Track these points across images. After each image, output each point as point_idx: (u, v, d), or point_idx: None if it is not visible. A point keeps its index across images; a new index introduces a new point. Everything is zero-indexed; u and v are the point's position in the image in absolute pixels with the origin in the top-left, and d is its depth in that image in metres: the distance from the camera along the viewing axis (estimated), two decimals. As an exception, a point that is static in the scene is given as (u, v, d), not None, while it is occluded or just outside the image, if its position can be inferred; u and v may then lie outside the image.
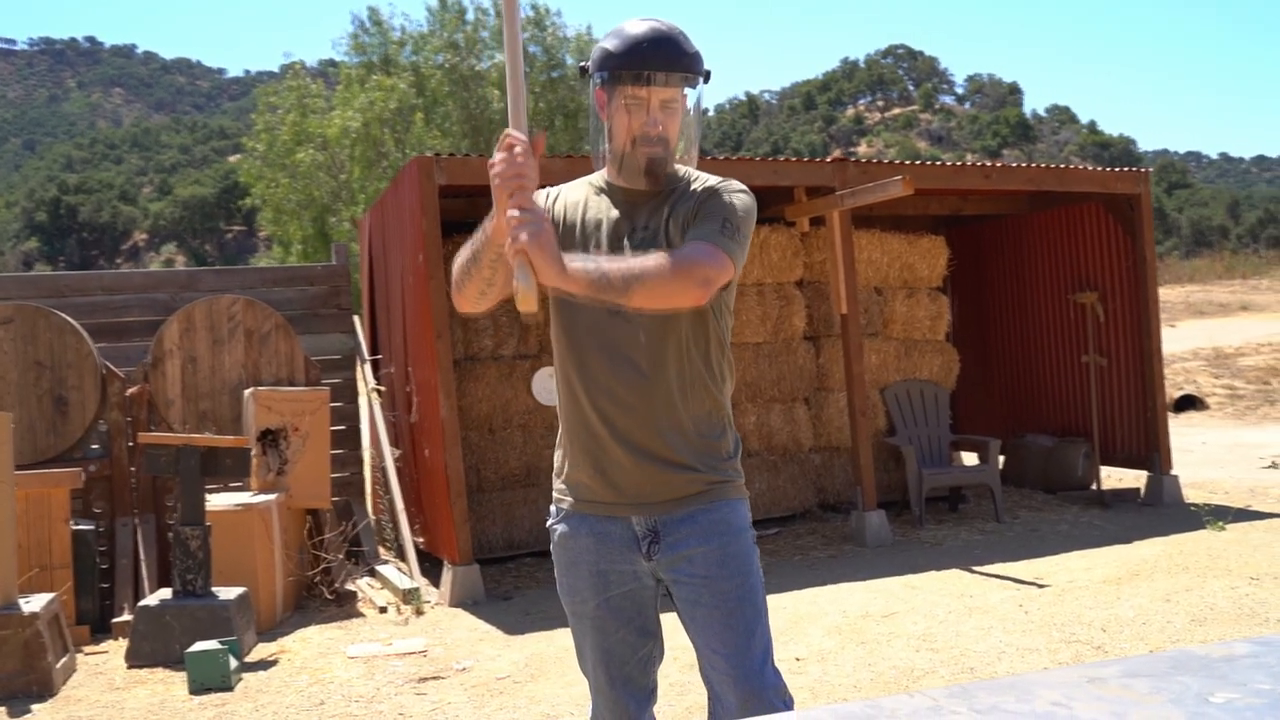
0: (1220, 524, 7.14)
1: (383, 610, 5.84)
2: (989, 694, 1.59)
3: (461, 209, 6.81)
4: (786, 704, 2.23)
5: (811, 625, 5.30)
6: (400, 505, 6.37)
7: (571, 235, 2.25)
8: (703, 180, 2.27)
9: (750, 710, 2.18)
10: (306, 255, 23.71)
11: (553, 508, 2.37)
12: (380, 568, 6.45)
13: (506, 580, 6.48)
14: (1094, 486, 8.61)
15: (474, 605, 5.91)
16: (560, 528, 2.34)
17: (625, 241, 2.23)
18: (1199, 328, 20.79)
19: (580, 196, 2.30)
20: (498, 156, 1.97)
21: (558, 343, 2.28)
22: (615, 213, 2.25)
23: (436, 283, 5.85)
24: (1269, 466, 9.79)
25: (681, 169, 2.28)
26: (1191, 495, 8.32)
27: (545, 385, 7.05)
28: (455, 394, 6.05)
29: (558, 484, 2.35)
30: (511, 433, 7.02)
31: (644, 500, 2.25)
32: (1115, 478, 8.93)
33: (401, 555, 6.59)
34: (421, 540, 6.37)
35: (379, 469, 7.23)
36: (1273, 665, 1.66)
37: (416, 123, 23.58)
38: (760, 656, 2.23)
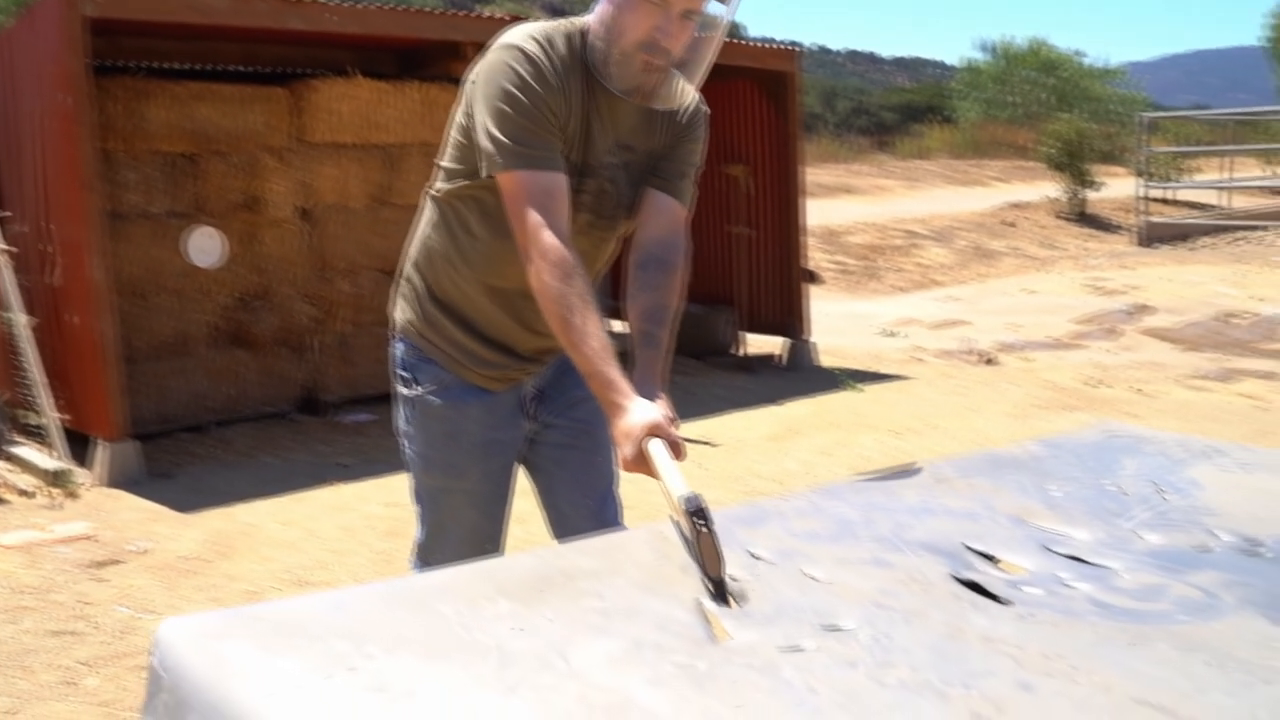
0: (856, 385, 7.79)
1: (27, 495, 5.25)
2: (856, 494, 1.64)
3: (105, 48, 6.06)
4: None
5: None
6: (41, 379, 5.70)
7: (564, 129, 1.97)
8: (692, 98, 2.10)
9: None
10: None
11: (423, 375, 2.18)
12: (14, 449, 5.78)
13: (163, 457, 5.99)
14: (738, 352, 9.11)
15: (134, 485, 5.44)
16: (438, 399, 2.16)
17: (613, 158, 2.05)
18: (809, 207, 22.36)
19: (578, 78, 1.98)
20: None
21: (499, 222, 2.02)
22: (603, 118, 2.02)
23: (86, 129, 5.17)
24: (885, 334, 10.75)
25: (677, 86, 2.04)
26: (825, 360, 8.98)
27: (200, 246, 6.50)
28: (108, 252, 5.44)
29: (442, 352, 2.17)
30: (164, 298, 6.43)
31: (540, 360, 2.19)
32: (754, 343, 9.47)
33: (37, 435, 5.93)
34: (66, 417, 5.74)
35: (6, 340, 6.43)
36: (1072, 461, 1.81)
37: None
38: (616, 506, 2.29)
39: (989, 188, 25.87)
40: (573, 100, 1.94)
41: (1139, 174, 17.67)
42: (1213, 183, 19.23)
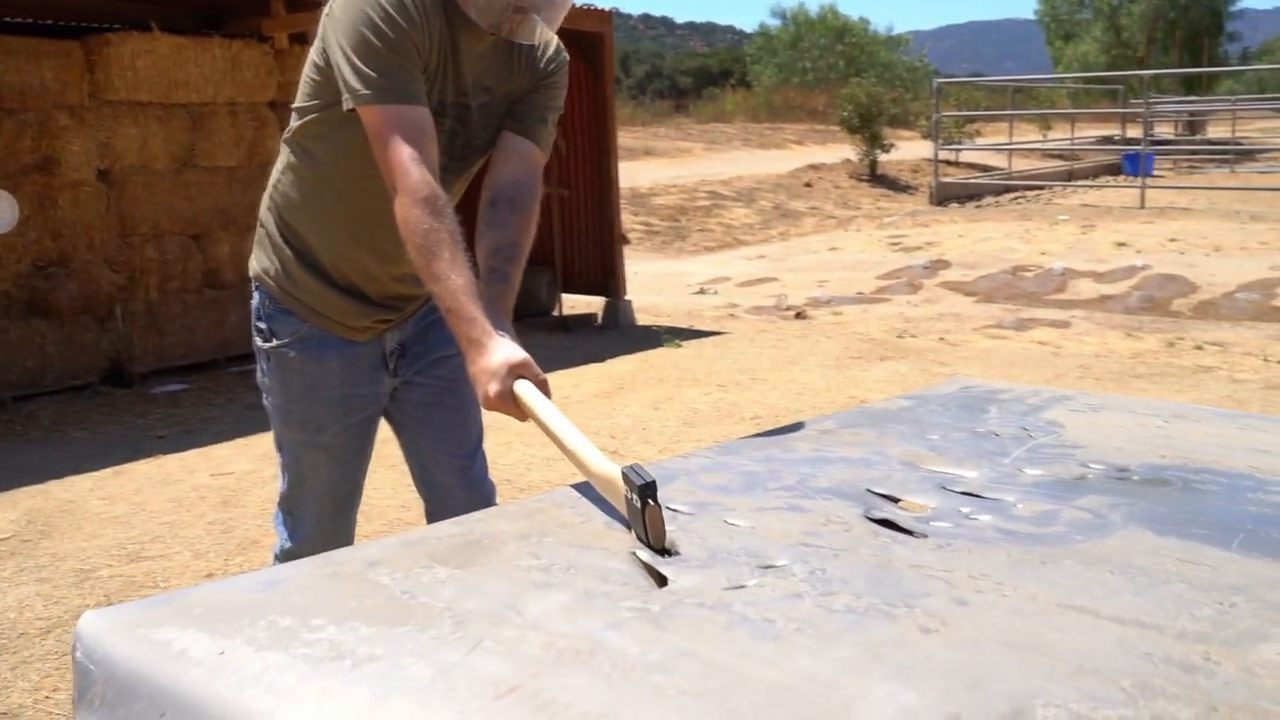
0: (677, 342, 7.94)
1: None
2: (753, 450, 1.71)
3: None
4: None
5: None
6: None
7: (425, 66, 1.92)
8: (553, 42, 2.09)
9: (476, 505, 2.24)
10: None
11: (280, 326, 2.14)
12: None
13: (-45, 437, 5.63)
14: (556, 312, 9.15)
15: (-74, 467, 5.09)
16: (295, 352, 2.12)
17: (470, 99, 2.01)
18: (615, 170, 22.46)
19: (439, 16, 1.92)
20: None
21: (352, 158, 1.98)
22: (462, 58, 1.97)
23: None
24: (698, 292, 10.97)
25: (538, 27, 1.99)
26: (642, 319, 9.12)
27: (-9, 211, 6.08)
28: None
29: (298, 303, 2.13)
30: (-52, 266, 6.01)
31: (398, 308, 2.17)
32: (572, 303, 9.53)
33: None
34: None
35: None
36: (940, 411, 1.93)
37: None
38: (484, 463, 2.30)
39: (787, 150, 26.59)
40: (434, 37, 1.91)
41: (930, 137, 18.50)
42: (997, 145, 20.31)
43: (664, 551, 1.27)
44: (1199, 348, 6.87)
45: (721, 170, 21.51)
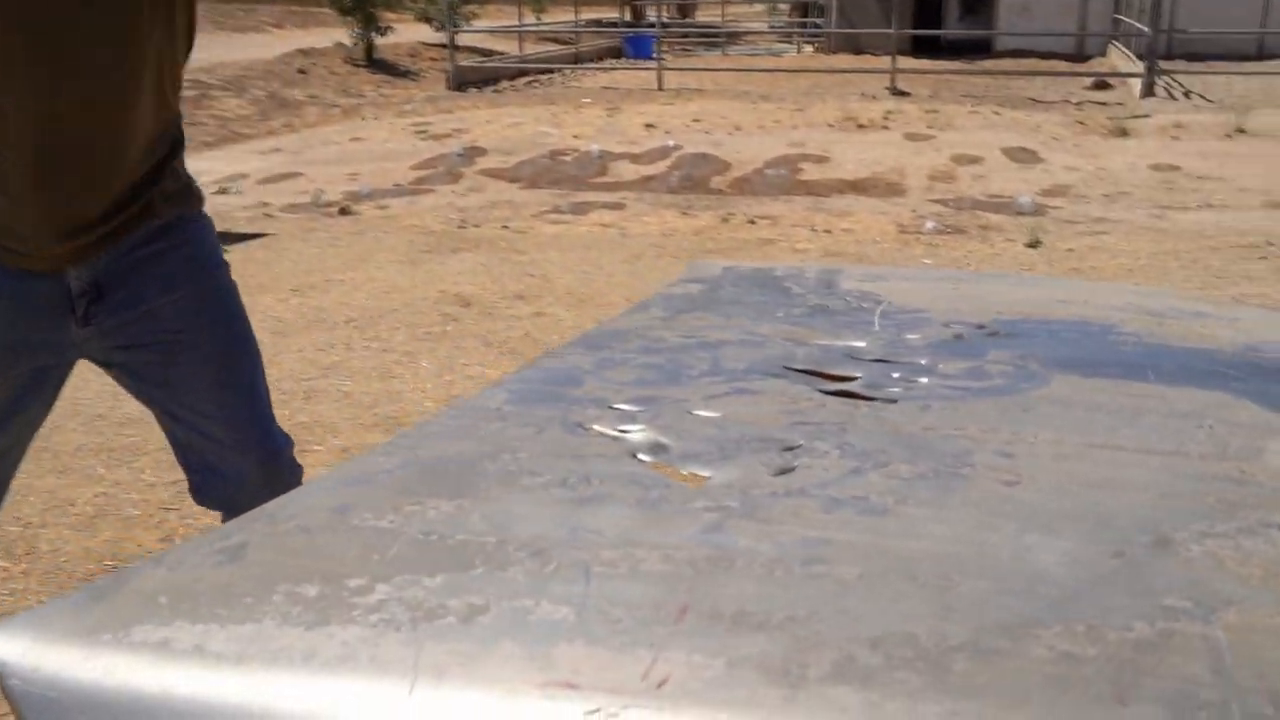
0: (223, 247, 7.38)
1: None
2: (622, 345, 1.65)
3: None
4: (297, 469, 1.97)
5: None
6: None
7: None
8: None
9: (270, 473, 1.88)
10: None
11: None
12: None
13: None
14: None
15: None
16: None
17: None
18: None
19: None
20: None
21: None
22: None
23: None
24: (219, 191, 10.21)
25: None
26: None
27: None
28: None
29: None
30: None
31: (80, 239, 1.73)
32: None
33: None
34: None
35: None
36: (746, 291, 1.96)
37: None
38: (268, 412, 1.93)
39: (266, 34, 25.15)
40: None
41: (428, 20, 18.24)
42: (509, 27, 20.51)
43: None
44: (751, 222, 7.48)
45: (197, 56, 19.91)
